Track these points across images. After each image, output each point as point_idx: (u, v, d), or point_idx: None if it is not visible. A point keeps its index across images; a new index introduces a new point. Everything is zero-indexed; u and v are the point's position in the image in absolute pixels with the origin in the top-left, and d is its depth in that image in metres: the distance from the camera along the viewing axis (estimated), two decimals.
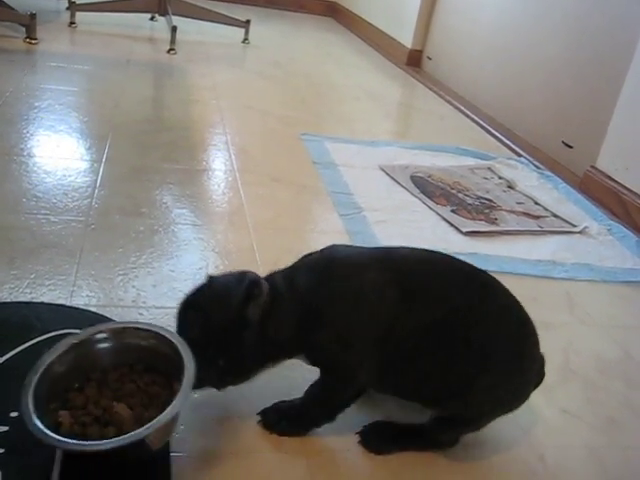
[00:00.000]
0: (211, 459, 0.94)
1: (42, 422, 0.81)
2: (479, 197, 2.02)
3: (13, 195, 1.56)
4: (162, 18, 3.60)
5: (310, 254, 1.01)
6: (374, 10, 4.37)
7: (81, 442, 0.82)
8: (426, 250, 1.03)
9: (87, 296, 1.23)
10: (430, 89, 3.34)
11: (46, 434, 0.79)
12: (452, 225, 1.80)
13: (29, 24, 2.86)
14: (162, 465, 0.90)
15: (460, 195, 2.01)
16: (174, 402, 0.85)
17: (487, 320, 0.96)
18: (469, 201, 1.98)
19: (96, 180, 1.71)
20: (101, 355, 0.96)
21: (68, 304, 1.20)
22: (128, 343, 0.97)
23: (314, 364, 0.98)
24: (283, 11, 4.98)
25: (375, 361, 0.95)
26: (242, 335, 0.91)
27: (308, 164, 2.07)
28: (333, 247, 1.01)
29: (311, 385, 1.00)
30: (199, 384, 0.91)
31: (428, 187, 2.02)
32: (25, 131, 1.96)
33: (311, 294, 0.93)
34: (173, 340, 0.93)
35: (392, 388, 1.02)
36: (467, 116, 2.97)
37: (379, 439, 1.03)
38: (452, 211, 1.88)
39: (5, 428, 0.90)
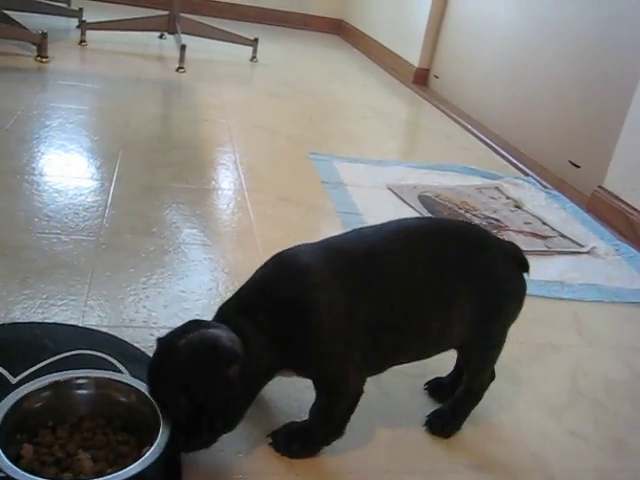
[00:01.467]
0: None
1: (3, 450, 0.81)
2: (487, 217, 2.03)
3: (25, 214, 1.58)
4: (170, 36, 3.64)
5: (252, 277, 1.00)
6: (381, 28, 4.41)
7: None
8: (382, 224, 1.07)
9: (99, 316, 1.24)
10: (437, 107, 3.36)
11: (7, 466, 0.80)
12: None
13: (41, 43, 2.89)
14: None
15: (468, 215, 2.02)
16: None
17: (447, 263, 1.00)
18: (477, 221, 1.99)
19: (107, 199, 1.72)
20: (80, 401, 0.95)
21: (80, 324, 1.21)
22: (109, 395, 0.96)
23: (304, 376, 1.00)
24: (289, 29, 5.02)
25: (365, 349, 0.96)
26: (229, 394, 0.89)
27: (317, 184, 2.08)
28: (284, 257, 1.00)
29: (312, 404, 1.01)
30: (200, 445, 0.92)
31: (436, 207, 2.03)
32: (36, 150, 1.98)
33: (269, 320, 0.92)
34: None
35: (393, 361, 1.05)
36: (474, 135, 2.98)
37: (443, 422, 1.10)
38: None
39: None
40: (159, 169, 2.00)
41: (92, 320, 1.23)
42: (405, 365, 1.25)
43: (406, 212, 1.96)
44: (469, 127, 3.06)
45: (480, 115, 3.15)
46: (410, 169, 2.35)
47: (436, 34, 3.71)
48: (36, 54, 2.92)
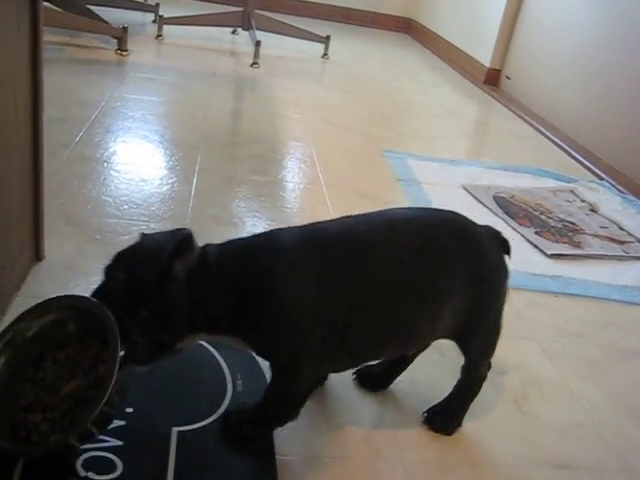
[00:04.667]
0: (313, 463, 0.98)
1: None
2: (562, 220, 2.02)
3: (114, 201, 1.64)
4: (243, 32, 3.69)
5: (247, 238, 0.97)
6: (452, 28, 4.39)
7: None
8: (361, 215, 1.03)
9: None
10: (508, 109, 3.34)
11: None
12: (536, 247, 1.81)
13: (121, 37, 2.97)
14: (267, 466, 0.94)
15: (543, 217, 2.01)
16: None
17: (436, 256, 0.96)
18: (552, 223, 1.98)
19: (190, 190, 1.78)
20: (30, 352, 0.93)
21: None
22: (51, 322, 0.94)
23: (260, 356, 0.98)
24: (359, 27, 5.04)
25: (332, 345, 0.92)
26: (166, 287, 0.86)
27: (392, 181, 2.10)
28: (270, 234, 0.97)
29: (268, 385, 0.98)
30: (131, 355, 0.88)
31: (511, 208, 2.03)
32: (121, 140, 2.04)
33: (241, 282, 0.89)
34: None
35: (375, 355, 1.03)
36: (547, 137, 2.95)
37: (444, 419, 1.09)
38: (536, 233, 1.88)
39: (122, 422, 0.96)
40: (238, 162, 2.05)
41: None
42: None
43: (482, 212, 1.97)
44: (541, 129, 3.03)
45: (553, 117, 3.11)
46: (484, 169, 2.35)
47: (509, 34, 3.68)
48: (116, 47, 3.01)
